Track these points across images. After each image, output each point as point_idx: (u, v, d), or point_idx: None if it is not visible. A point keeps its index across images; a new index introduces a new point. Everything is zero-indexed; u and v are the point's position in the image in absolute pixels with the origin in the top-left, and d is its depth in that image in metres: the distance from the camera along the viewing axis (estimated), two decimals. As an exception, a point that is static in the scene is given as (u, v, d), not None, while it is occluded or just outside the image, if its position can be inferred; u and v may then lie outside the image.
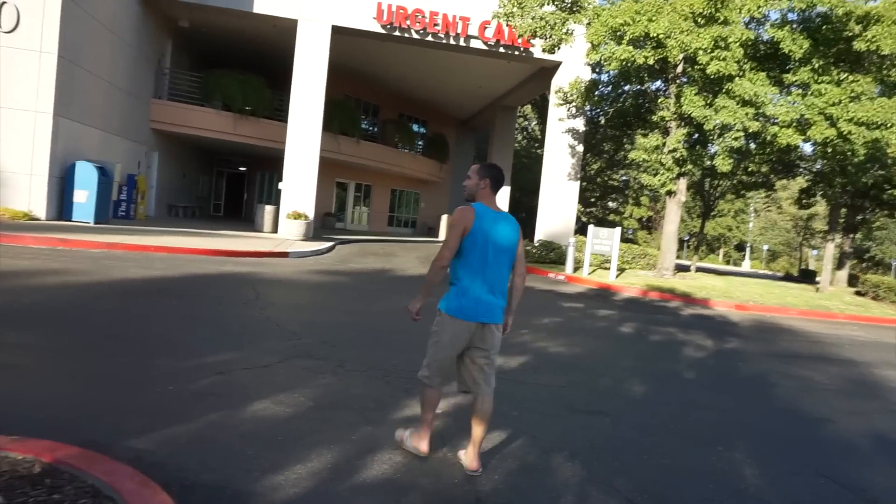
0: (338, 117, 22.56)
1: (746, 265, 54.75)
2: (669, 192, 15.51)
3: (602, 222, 41.16)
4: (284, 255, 12.99)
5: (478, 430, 3.26)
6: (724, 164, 13.85)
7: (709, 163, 14.92)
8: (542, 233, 19.55)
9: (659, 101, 15.10)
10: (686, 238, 55.64)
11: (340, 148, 22.87)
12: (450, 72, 23.03)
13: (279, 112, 20.46)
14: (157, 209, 20.04)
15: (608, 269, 16.19)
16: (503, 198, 27.63)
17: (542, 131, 33.31)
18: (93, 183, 13.26)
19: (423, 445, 3.34)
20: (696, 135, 14.96)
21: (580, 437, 4.03)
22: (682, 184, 15.52)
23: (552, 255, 17.19)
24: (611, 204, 43.10)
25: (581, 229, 26.27)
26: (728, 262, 59.01)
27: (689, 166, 14.78)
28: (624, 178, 41.91)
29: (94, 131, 14.90)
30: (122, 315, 5.90)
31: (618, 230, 14.51)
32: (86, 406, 3.56)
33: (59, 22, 12.60)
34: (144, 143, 18.49)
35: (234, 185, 29.40)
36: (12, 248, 9.19)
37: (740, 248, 59.10)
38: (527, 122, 38.33)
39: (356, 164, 25.21)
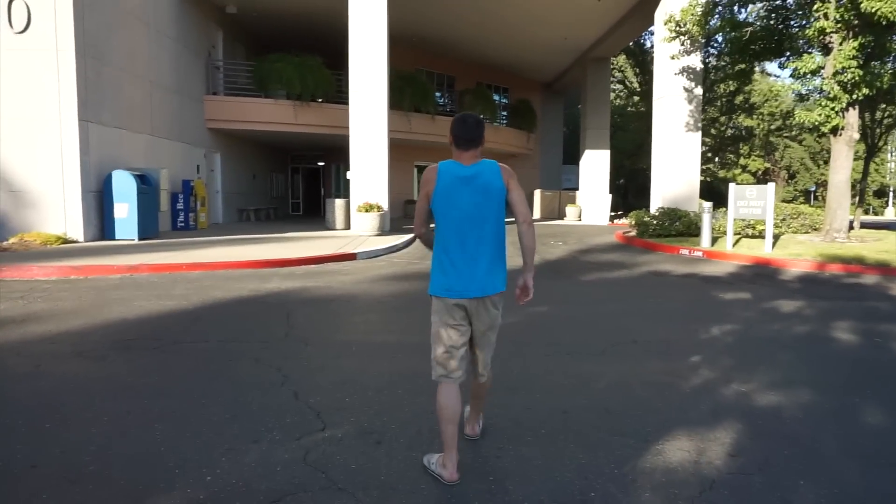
0: (408, 93, 20.16)
1: (890, 212, 47.57)
2: (835, 130, 11.82)
3: (714, 181, 36.52)
4: (351, 257, 10.73)
5: (474, 405, 3.14)
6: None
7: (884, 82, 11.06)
8: (659, 199, 16.27)
9: (815, 7, 11.34)
10: (812, 189, 49.06)
11: (413, 127, 20.46)
12: (530, 25, 19.97)
13: (343, 94, 18.31)
14: (225, 215, 18.56)
15: (755, 237, 12.81)
16: (601, 165, 24.25)
17: (644, 82, 29.40)
18: (132, 194, 11.57)
19: (446, 471, 2.71)
20: (872, 46, 11.16)
21: None
22: (853, 116, 11.77)
23: (678, 225, 13.92)
24: (722, 158, 38.17)
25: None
26: (867, 212, 51.68)
27: (864, 91, 11.04)
28: (733, 128, 36.86)
29: (137, 136, 13.29)
30: (41, 411, 3.66)
31: (772, 186, 11.07)
32: None
33: (73, 13, 10.87)
34: (201, 145, 16.91)
35: (311, 181, 27.86)
36: (4, 283, 7.41)
37: (881, 193, 51.56)
38: (621, 74, 34.19)
39: (434, 144, 22.71)
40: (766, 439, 3.29)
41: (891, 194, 49.32)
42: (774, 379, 4.33)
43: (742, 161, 37.47)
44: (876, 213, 49.56)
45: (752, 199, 11.31)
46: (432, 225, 2.99)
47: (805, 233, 13.70)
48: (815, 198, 49.31)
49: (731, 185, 11.73)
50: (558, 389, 4.01)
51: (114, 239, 11.71)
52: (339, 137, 18.57)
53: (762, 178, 49.17)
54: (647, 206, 18.04)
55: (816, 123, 11.74)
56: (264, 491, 2.61)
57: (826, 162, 47.81)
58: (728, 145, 31.80)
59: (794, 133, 38.53)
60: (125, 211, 11.59)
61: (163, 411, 3.49)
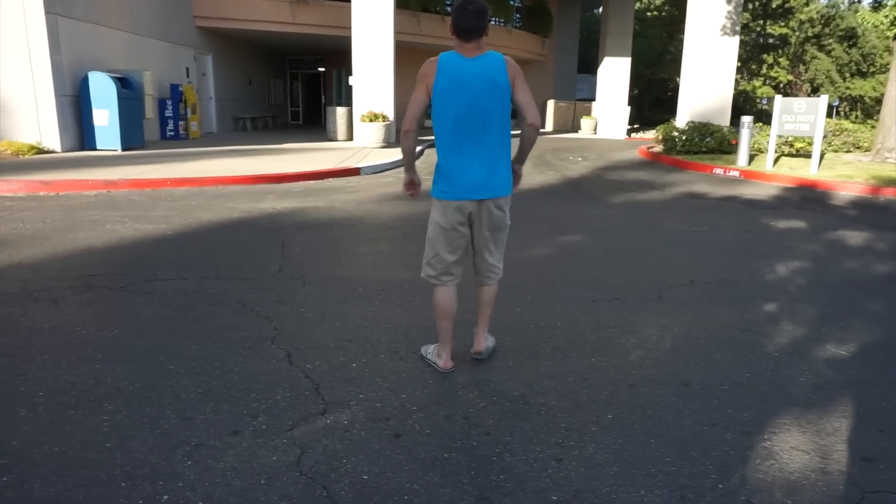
0: (416, -10, 18.35)
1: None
2: (899, 35, 10.49)
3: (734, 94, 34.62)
4: (354, 171, 9.78)
5: (481, 312, 2.92)
6: None
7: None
8: (687, 112, 15.02)
9: None
10: (836, 104, 46.81)
11: (422, 28, 18.78)
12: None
13: (344, -10, 16.62)
14: (219, 124, 17.37)
15: (793, 155, 11.76)
16: (622, 74, 22.65)
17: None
18: (112, 99, 10.44)
19: (440, 360, 2.86)
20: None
21: None
22: (922, 19, 10.41)
23: (709, 140, 12.80)
24: (749, 69, 35.94)
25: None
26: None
27: (941, -12, 9.63)
28: (763, 35, 34.37)
29: (115, 33, 11.95)
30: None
31: (825, 99, 9.92)
32: None
33: None
34: (190, 45, 15.48)
35: (312, 88, 26.27)
36: (-37, 202, 6.55)
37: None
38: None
39: (443, 48, 20.95)
40: (904, 433, 2.51)
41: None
42: (876, 338, 3.54)
43: (769, 72, 35.25)
44: None
45: (801, 114, 10.16)
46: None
47: (847, 151, 12.60)
48: (838, 113, 47.22)
49: (777, 98, 10.55)
50: (616, 351, 3.22)
51: (94, 149, 10.70)
52: (340, 39, 17.06)
53: (785, 91, 46.87)
54: (666, 120, 16.79)
55: (882, 26, 10.39)
56: (240, 523, 1.86)
57: (853, 75, 45.38)
58: (758, 54, 29.74)
59: (828, 42, 36.05)
60: (105, 118, 10.51)
61: (117, 382, 2.71)
